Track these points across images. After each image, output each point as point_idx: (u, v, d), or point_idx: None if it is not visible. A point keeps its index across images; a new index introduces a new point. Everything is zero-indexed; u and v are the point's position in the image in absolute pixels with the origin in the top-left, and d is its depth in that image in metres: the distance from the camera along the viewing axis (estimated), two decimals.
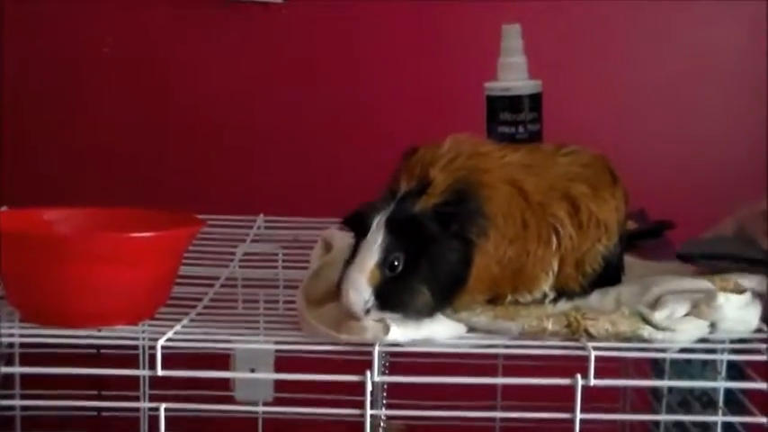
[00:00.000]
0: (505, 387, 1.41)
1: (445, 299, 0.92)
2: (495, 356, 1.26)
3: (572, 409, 0.89)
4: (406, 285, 0.90)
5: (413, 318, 0.91)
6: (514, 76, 1.19)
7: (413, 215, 0.90)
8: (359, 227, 0.92)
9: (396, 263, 0.90)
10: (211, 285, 1.11)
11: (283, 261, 1.21)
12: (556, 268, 0.96)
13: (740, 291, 0.97)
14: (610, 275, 1.00)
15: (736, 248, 1.04)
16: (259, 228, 1.34)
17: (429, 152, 0.95)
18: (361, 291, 0.90)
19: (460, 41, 1.72)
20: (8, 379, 1.31)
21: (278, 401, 1.48)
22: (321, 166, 1.74)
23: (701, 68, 1.74)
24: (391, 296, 0.90)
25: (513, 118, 1.18)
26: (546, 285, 0.97)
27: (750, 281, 0.99)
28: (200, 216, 1.06)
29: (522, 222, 0.94)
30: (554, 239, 0.95)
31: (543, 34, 1.55)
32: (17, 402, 1.30)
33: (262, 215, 1.36)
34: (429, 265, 0.90)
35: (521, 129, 1.18)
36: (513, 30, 1.20)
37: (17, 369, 1.30)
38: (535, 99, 1.19)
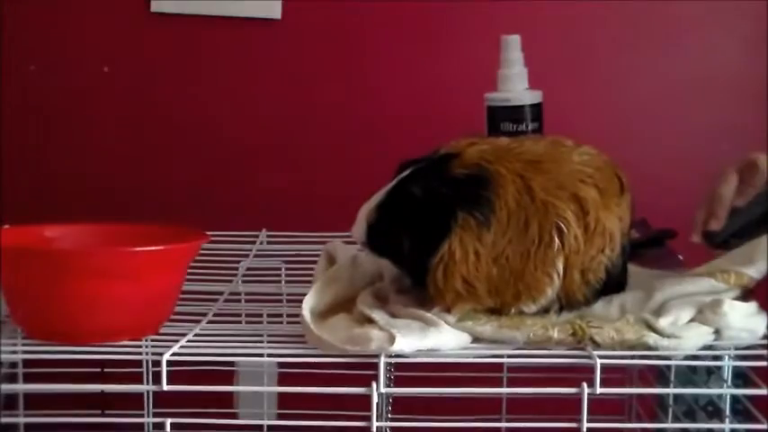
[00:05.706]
0: (510, 396, 1.40)
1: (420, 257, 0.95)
2: (501, 366, 1.26)
3: (577, 419, 0.89)
4: (388, 231, 0.97)
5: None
6: (515, 87, 1.19)
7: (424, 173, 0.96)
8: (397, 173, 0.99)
9: (389, 210, 0.97)
10: (215, 301, 1.11)
11: (286, 276, 1.21)
12: (561, 270, 0.95)
13: (742, 282, 0.98)
14: (612, 286, 1.00)
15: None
16: (262, 243, 1.34)
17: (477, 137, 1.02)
18: (359, 224, 0.99)
19: (460, 53, 1.72)
20: (11, 396, 1.31)
21: (282, 417, 1.47)
22: (323, 180, 1.74)
23: (702, 77, 1.74)
24: (374, 237, 0.98)
25: (514, 128, 1.18)
26: (551, 291, 0.96)
27: (750, 269, 0.99)
28: (203, 231, 1.06)
29: (524, 222, 0.94)
30: (556, 240, 0.95)
31: (544, 44, 1.55)
32: (21, 420, 1.30)
33: (264, 230, 1.36)
34: (416, 222, 0.95)
35: None
36: (513, 41, 1.20)
37: (20, 387, 1.29)
38: (536, 109, 1.19)
